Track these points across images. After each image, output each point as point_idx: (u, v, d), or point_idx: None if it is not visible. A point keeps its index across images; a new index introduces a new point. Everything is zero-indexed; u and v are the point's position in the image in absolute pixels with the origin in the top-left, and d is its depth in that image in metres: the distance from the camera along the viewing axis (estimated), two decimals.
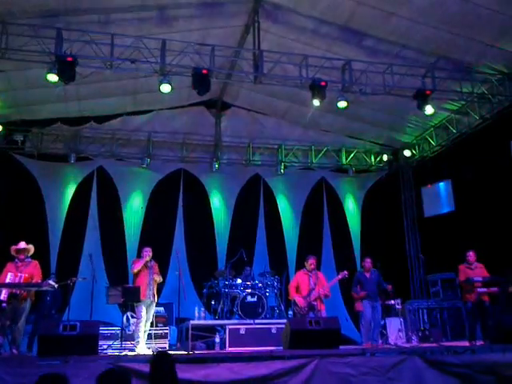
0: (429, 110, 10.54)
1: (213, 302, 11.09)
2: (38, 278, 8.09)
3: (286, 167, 14.45)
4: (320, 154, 14.67)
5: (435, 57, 10.54)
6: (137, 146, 13.76)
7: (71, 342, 6.63)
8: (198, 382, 6.15)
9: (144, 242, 11.55)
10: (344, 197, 15.08)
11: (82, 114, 12.83)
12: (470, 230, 11.57)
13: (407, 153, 14.37)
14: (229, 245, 13.68)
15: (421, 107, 10.49)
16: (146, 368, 5.77)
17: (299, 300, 8.82)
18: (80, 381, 5.75)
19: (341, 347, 7.44)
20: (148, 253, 8.78)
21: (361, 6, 9.58)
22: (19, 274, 7.90)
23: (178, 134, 13.89)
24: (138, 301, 8.46)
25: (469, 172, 12.07)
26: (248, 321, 9.87)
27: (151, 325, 8.98)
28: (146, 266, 8.74)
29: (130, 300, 8.80)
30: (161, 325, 10.18)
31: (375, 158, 15.07)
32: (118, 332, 9.76)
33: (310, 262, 9.10)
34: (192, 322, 9.95)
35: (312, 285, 8.88)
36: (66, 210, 12.95)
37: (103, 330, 9.55)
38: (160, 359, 4.69)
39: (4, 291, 7.66)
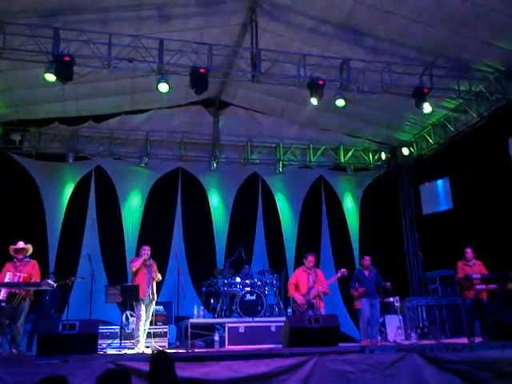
0: (427, 108, 10.56)
1: (212, 301, 11.11)
2: (36, 278, 8.10)
3: (284, 166, 14.45)
4: (318, 153, 14.67)
5: (433, 55, 10.56)
6: (135, 145, 13.76)
7: (70, 341, 6.65)
8: (197, 380, 6.17)
9: (143, 241, 11.56)
10: (342, 195, 15.09)
11: (79, 114, 12.80)
12: (468, 228, 11.62)
13: (405, 151, 14.40)
14: (227, 243, 13.68)
15: (419, 105, 10.50)
16: (145, 367, 5.78)
17: (298, 298, 8.84)
18: (80, 380, 5.76)
19: (340, 345, 7.47)
20: (146, 251, 8.78)
21: (359, 5, 9.59)
22: (18, 274, 7.91)
23: (176, 133, 13.88)
24: (137, 300, 8.45)
25: (467, 170, 12.10)
26: (247, 319, 9.90)
27: (150, 323, 8.98)
28: (144, 264, 8.73)
29: (129, 299, 8.80)
30: (160, 323, 10.21)
31: (373, 156, 15.08)
32: (118, 331, 9.78)
33: (309, 260, 9.11)
34: (191, 320, 9.98)
35: (311, 282, 8.90)
36: (64, 210, 12.93)
37: (102, 329, 9.56)
38: (159, 358, 4.72)
39: (3, 291, 7.67)
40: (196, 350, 8.20)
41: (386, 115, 13.03)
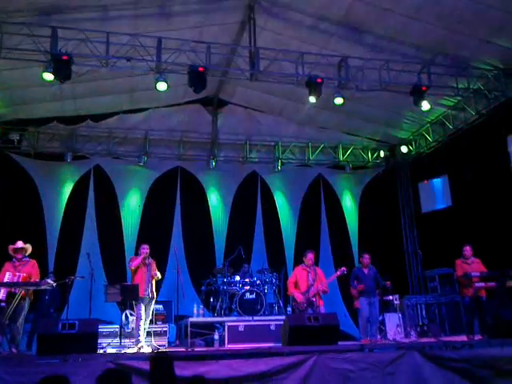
0: (425, 105, 10.57)
1: (211, 300, 11.11)
2: (36, 277, 8.10)
3: (283, 164, 14.46)
4: (317, 151, 14.68)
5: (431, 53, 10.55)
6: (133, 144, 13.75)
7: (70, 341, 6.65)
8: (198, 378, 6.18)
9: (142, 239, 11.54)
10: (341, 193, 15.09)
11: (78, 113, 12.80)
12: (467, 226, 11.62)
13: (404, 149, 14.42)
14: (227, 242, 13.70)
15: (417, 103, 10.50)
16: (145, 366, 5.79)
17: (298, 296, 8.84)
18: (79, 379, 5.76)
19: (339, 343, 7.47)
20: (145, 250, 8.78)
21: (357, 3, 9.59)
22: (17, 274, 7.91)
23: (175, 132, 13.88)
24: (137, 299, 8.45)
25: (465, 167, 12.10)
26: (247, 318, 9.90)
27: (150, 322, 8.98)
28: (143, 263, 8.73)
29: (129, 298, 8.79)
30: (160, 322, 10.19)
31: (372, 155, 15.07)
32: (117, 330, 9.77)
33: (309, 257, 9.11)
34: (191, 319, 9.97)
35: (311, 281, 8.89)
36: (63, 209, 12.93)
37: (102, 328, 9.55)
38: (159, 357, 4.73)
39: (2, 290, 7.67)
40: (196, 349, 8.21)
41: (385, 113, 13.04)
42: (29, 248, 8.32)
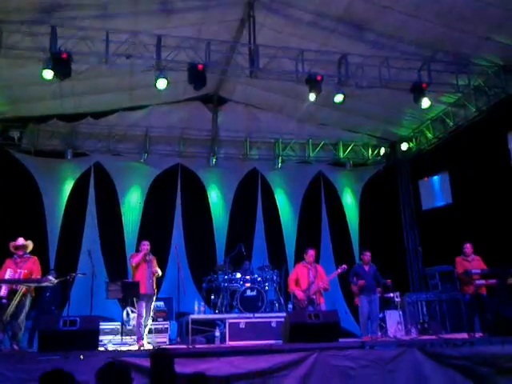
0: (425, 103, 10.56)
1: (212, 297, 11.11)
2: (37, 274, 8.09)
3: (283, 161, 14.46)
4: (317, 148, 14.67)
5: (431, 50, 10.54)
6: (133, 141, 13.74)
7: (71, 338, 6.65)
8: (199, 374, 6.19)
9: (142, 236, 11.45)
10: (342, 190, 15.09)
11: (78, 110, 12.78)
12: (468, 223, 11.61)
13: (404, 146, 14.39)
14: (227, 239, 13.70)
15: (417, 100, 10.50)
16: (146, 363, 5.79)
17: (299, 293, 8.84)
18: (80, 376, 5.77)
19: (340, 340, 7.47)
20: (146, 246, 8.77)
21: (356, 0, 9.56)
22: (18, 271, 7.90)
23: (175, 129, 13.87)
24: (138, 296, 8.46)
25: (466, 164, 12.09)
26: (248, 315, 9.89)
27: (151, 319, 8.99)
28: (144, 260, 8.74)
29: (130, 295, 8.81)
30: (161, 319, 10.21)
31: (372, 152, 15.07)
32: (119, 327, 9.79)
33: (310, 254, 9.13)
34: (192, 316, 9.99)
35: (311, 278, 8.91)
36: (63, 206, 12.93)
37: (103, 325, 9.57)
38: (159, 354, 4.74)
39: (4, 287, 7.67)
40: (197, 346, 8.21)
41: (385, 110, 13.02)
42: (30, 245, 8.31)
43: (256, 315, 9.88)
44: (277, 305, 11.03)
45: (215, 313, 10.70)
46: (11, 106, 11.92)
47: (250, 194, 14.41)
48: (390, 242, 14.27)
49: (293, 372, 6.45)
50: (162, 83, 9.68)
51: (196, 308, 10.74)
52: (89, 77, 10.41)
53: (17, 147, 12.70)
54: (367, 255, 9.68)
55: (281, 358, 6.57)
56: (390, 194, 15.09)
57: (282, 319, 8.11)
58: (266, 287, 11.00)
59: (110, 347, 8.64)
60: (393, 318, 10.68)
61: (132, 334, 9.08)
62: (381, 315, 10.20)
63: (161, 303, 10.70)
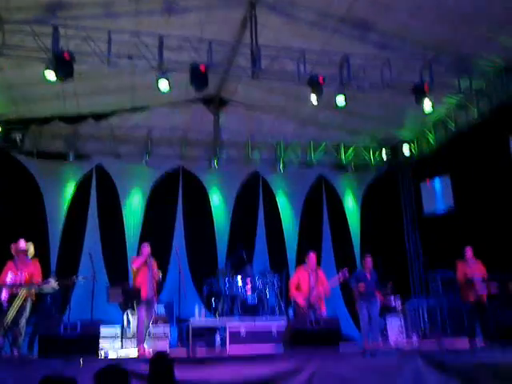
0: (427, 104, 10.48)
1: (213, 301, 11.09)
2: (38, 277, 8.10)
3: (284, 164, 14.41)
4: (319, 150, 14.62)
5: (433, 51, 10.49)
6: (135, 143, 13.69)
7: (72, 343, 6.65)
8: (198, 382, 6.17)
9: (144, 239, 11.42)
10: (343, 194, 15.05)
11: (80, 112, 12.73)
12: (470, 227, 11.55)
13: (406, 149, 14.32)
14: (229, 243, 13.66)
15: (419, 102, 10.43)
16: (146, 371, 5.76)
17: (300, 299, 8.82)
18: (80, 381, 5.74)
19: (341, 346, 7.44)
20: (146, 248, 8.76)
21: (358, 0, 9.53)
22: (19, 273, 7.90)
23: (177, 131, 13.83)
24: (139, 302, 8.44)
25: (468, 168, 12.05)
26: (248, 320, 9.87)
27: (152, 323, 8.97)
28: (145, 263, 8.71)
29: (131, 301, 8.77)
30: (161, 324, 10.17)
31: (374, 155, 15.02)
32: (119, 331, 9.76)
33: (311, 257, 9.11)
34: (192, 321, 9.96)
35: (312, 283, 8.88)
36: (65, 209, 12.91)
37: (104, 329, 9.53)
38: (159, 360, 4.70)
39: (4, 291, 7.66)
40: (197, 353, 8.20)
41: (387, 113, 12.94)
42: (31, 247, 8.32)
43: (257, 320, 9.86)
44: (277, 310, 11.00)
45: (216, 318, 10.66)
46: (12, 107, 11.88)
47: (252, 197, 14.38)
48: (392, 245, 14.22)
49: (294, 379, 6.42)
50: (163, 84, 9.64)
51: (196, 313, 10.71)
52: (91, 78, 10.38)
53: (19, 149, 12.66)
54: (369, 261, 9.66)
55: (282, 365, 6.54)
56: (392, 197, 15.04)
57: (283, 324, 8.10)
58: (267, 292, 10.98)
59: (111, 353, 8.62)
60: (394, 324, 10.65)
61: (132, 338, 9.04)
62: (382, 321, 10.16)
63: (161, 307, 10.67)
